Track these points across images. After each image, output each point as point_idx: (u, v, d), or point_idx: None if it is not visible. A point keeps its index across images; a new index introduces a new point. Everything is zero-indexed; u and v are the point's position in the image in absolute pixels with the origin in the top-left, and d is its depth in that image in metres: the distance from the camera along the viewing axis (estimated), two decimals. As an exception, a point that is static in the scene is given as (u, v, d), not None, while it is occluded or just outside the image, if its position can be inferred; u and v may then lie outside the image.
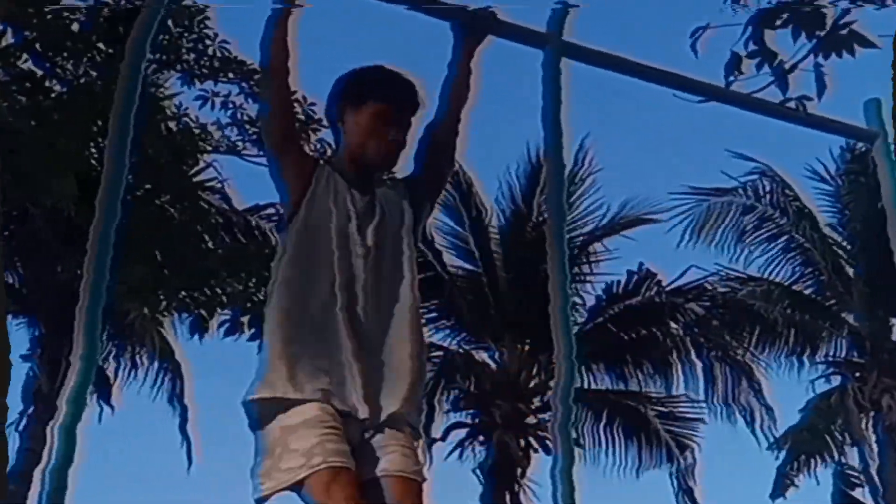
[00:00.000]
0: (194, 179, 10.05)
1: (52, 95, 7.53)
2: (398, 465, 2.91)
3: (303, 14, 3.33)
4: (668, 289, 15.91)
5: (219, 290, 10.05)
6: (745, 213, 16.29)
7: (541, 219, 14.73)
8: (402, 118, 3.19)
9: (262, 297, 9.51)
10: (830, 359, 16.32)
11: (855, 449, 15.70)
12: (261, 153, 9.35)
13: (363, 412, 2.89)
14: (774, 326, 15.79)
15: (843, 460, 15.95)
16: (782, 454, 16.10)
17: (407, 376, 2.99)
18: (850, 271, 16.24)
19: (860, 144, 9.77)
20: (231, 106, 8.96)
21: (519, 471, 14.92)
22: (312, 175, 3.12)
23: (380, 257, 3.05)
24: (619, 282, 15.94)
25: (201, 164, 10.13)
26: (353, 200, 3.10)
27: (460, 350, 16.12)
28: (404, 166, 3.38)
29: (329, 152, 3.94)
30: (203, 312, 10.35)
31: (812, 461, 16.17)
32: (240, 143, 9.52)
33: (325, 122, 4.58)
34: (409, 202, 3.22)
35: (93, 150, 7.71)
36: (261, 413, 2.89)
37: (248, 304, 9.91)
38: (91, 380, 3.02)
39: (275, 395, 2.86)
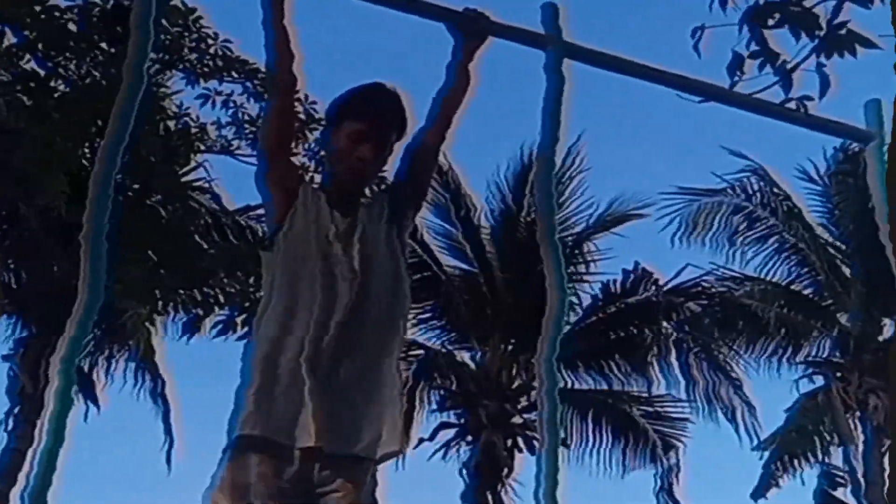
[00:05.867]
0: (183, 179, 10.00)
1: (56, 95, 7.48)
2: None
3: (306, 16, 3.31)
4: (664, 288, 15.86)
5: (214, 290, 10.02)
6: (735, 212, 16.28)
7: (530, 218, 14.70)
8: (378, 136, 3.16)
9: (259, 297, 9.46)
10: (819, 358, 16.33)
11: (840, 449, 15.71)
12: (255, 153, 9.35)
13: (312, 444, 2.83)
14: (767, 326, 15.78)
15: (828, 460, 15.98)
16: (766, 454, 16.12)
17: (380, 415, 2.96)
18: (847, 271, 16.23)
19: (854, 145, 9.76)
20: (232, 105, 8.93)
21: (505, 470, 14.91)
22: (297, 190, 3.10)
23: (366, 283, 3.02)
24: (614, 281, 15.93)
25: (192, 164, 10.08)
26: (333, 221, 3.08)
27: (443, 350, 16.10)
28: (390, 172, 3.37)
29: (323, 152, 3.96)
30: (199, 312, 10.32)
31: (796, 461, 16.19)
32: (235, 143, 9.49)
33: (324, 122, 4.60)
34: (391, 212, 3.19)
35: (86, 150, 7.67)
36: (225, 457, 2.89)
37: (247, 304, 9.85)
38: (75, 380, 3.01)
39: (241, 432, 2.85)
